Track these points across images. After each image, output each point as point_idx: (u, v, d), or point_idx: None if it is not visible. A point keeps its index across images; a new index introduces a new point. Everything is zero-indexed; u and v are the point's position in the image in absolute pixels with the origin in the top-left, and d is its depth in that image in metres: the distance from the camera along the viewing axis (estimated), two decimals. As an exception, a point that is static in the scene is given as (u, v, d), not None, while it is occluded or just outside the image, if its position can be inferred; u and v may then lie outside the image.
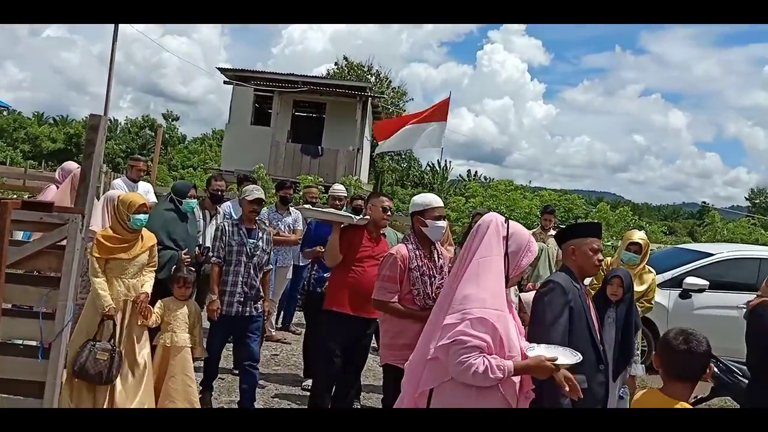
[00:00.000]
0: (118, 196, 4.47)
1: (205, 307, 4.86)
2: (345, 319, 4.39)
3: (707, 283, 7.55)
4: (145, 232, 4.44)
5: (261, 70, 21.36)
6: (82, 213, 4.29)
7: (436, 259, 3.95)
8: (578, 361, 2.59)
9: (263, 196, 4.98)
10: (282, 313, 7.88)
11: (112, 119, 58.71)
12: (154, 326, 4.46)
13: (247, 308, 4.77)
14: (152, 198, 6.92)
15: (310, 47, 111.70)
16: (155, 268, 4.52)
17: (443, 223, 3.97)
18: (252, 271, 4.79)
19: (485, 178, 41.34)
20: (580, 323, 2.96)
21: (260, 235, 4.92)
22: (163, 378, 4.43)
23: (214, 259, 4.78)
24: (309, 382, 5.74)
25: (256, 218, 5.01)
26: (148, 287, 4.38)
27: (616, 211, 13.51)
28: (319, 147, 19.98)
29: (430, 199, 4.04)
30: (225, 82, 20.86)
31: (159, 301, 4.51)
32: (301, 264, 7.69)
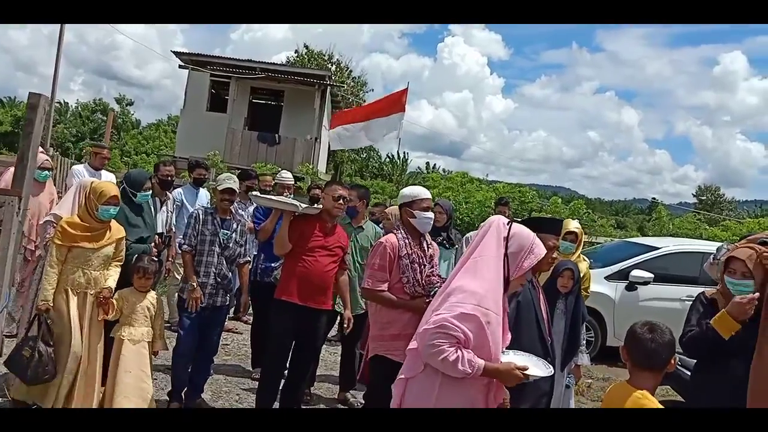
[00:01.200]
0: (91, 183, 4.28)
1: (184, 295, 4.60)
2: (293, 309, 4.33)
3: (652, 275, 7.78)
4: (114, 224, 4.27)
5: (218, 55, 20.91)
6: (19, 195, 4.13)
7: (426, 248, 3.93)
8: (549, 374, 2.60)
9: (235, 186, 4.81)
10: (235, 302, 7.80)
11: (62, 102, 56.73)
12: (113, 319, 4.27)
13: (218, 299, 4.64)
14: None
15: (270, 34, 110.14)
16: (121, 263, 4.34)
17: (431, 215, 3.94)
18: (225, 262, 4.68)
19: (444, 170, 41.65)
20: (528, 316, 2.95)
21: (234, 226, 4.78)
22: (117, 373, 4.19)
23: (185, 247, 4.62)
24: (258, 371, 5.70)
25: (231, 209, 4.83)
26: (112, 282, 4.22)
27: (569, 205, 13.81)
28: (277, 135, 19.76)
29: (418, 191, 4.00)
30: (180, 67, 20.42)
31: (117, 292, 4.31)
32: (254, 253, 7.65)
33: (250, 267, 5.66)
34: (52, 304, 4.02)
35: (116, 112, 53.88)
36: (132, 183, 4.87)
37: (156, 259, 4.50)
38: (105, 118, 49.71)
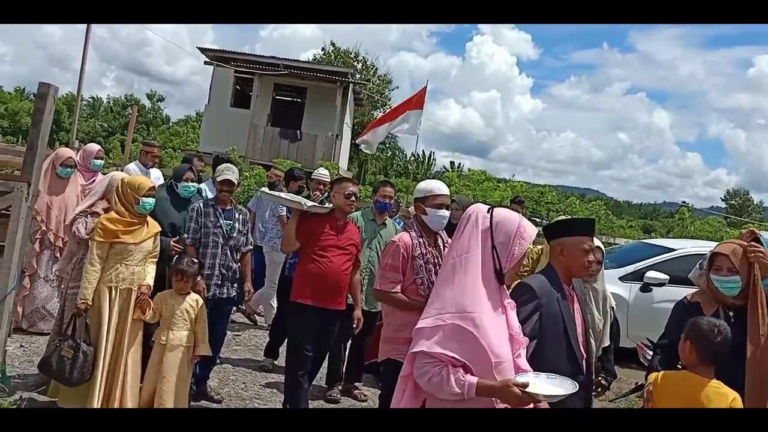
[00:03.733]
0: (122, 179, 4.28)
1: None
2: (310, 311, 4.26)
3: (667, 277, 7.63)
4: (149, 219, 4.27)
5: (243, 52, 21.13)
6: (28, 181, 4.22)
7: (442, 246, 3.67)
8: (564, 395, 2.22)
9: (234, 178, 4.81)
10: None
11: (96, 97, 58.01)
12: (152, 322, 4.20)
13: (224, 290, 4.66)
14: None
15: (298, 31, 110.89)
16: (156, 259, 4.32)
17: (445, 212, 3.66)
18: (229, 253, 4.69)
19: (469, 170, 41.46)
20: (555, 331, 2.65)
21: (237, 216, 4.80)
22: (156, 378, 4.12)
23: (188, 240, 4.62)
24: (268, 360, 5.81)
25: (232, 199, 4.86)
26: (150, 279, 4.19)
27: (589, 205, 13.64)
28: (298, 131, 19.90)
29: (432, 185, 3.74)
30: (206, 63, 20.66)
31: (157, 294, 4.24)
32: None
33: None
34: (91, 303, 3.96)
35: (146, 108, 54.82)
36: (174, 176, 5.08)
37: (196, 261, 4.42)
38: (137, 113, 50.54)
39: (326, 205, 4.54)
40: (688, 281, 7.84)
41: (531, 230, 2.38)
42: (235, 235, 4.74)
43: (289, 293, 5.61)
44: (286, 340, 4.64)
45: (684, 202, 47.00)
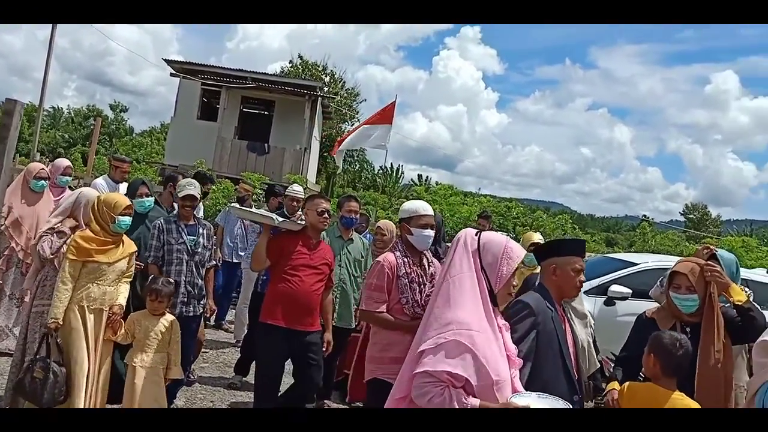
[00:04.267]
0: (99, 197, 4.16)
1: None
2: (281, 333, 4.15)
3: (630, 291, 7.78)
4: (125, 238, 4.16)
5: (209, 64, 20.97)
6: (-8, 199, 4.11)
7: (426, 266, 3.70)
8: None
9: (196, 192, 4.74)
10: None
11: (56, 107, 56.65)
12: (124, 343, 4.09)
13: (191, 307, 4.59)
14: None
15: (265, 44, 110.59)
16: (130, 279, 4.22)
17: (430, 233, 3.70)
18: (194, 269, 4.62)
19: (437, 183, 41.69)
20: (550, 349, 2.71)
21: (200, 231, 4.73)
22: (131, 402, 4.00)
23: (150, 258, 4.54)
24: (237, 377, 5.74)
25: (194, 214, 4.79)
26: (123, 299, 4.09)
27: (555, 219, 13.87)
28: (266, 145, 19.78)
29: (417, 206, 3.76)
30: (172, 75, 20.42)
31: (131, 315, 4.15)
32: (234, 261, 7.63)
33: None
34: (61, 322, 3.84)
35: (109, 119, 53.79)
36: (129, 192, 4.93)
37: (172, 281, 4.33)
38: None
39: (299, 221, 4.45)
40: (649, 295, 8.11)
41: (518, 250, 2.44)
42: (199, 250, 4.67)
43: (258, 309, 5.62)
44: (257, 364, 4.53)
45: (644, 215, 48.11)
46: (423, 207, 3.76)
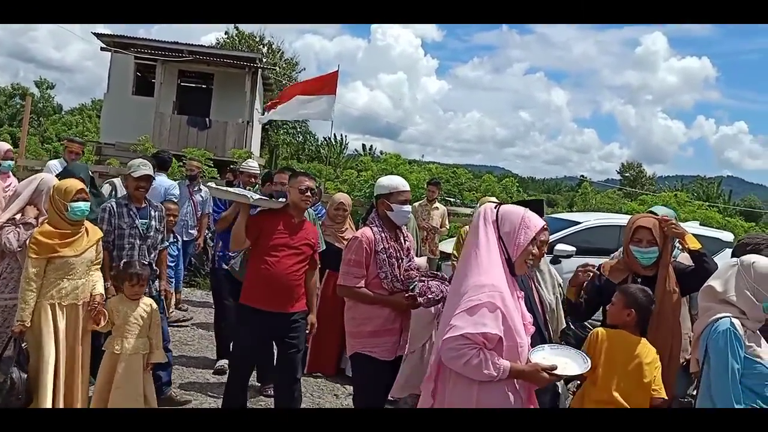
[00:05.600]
0: (53, 186, 3.94)
1: None
2: (260, 315, 4.06)
3: (574, 249, 8.12)
4: (89, 225, 3.96)
5: (143, 37, 20.18)
6: None
7: (402, 241, 3.79)
8: (586, 370, 2.61)
9: (151, 172, 4.65)
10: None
11: (-24, 86, 53.40)
12: (103, 331, 3.98)
13: (146, 290, 4.43)
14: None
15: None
16: (100, 265, 4.07)
17: (409, 208, 3.81)
18: (146, 252, 4.53)
19: (381, 152, 41.70)
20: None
21: (152, 213, 4.62)
22: (108, 390, 3.89)
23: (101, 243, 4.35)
24: (222, 362, 5.60)
25: (147, 197, 4.66)
26: (101, 287, 3.95)
27: (501, 183, 14.19)
28: (207, 119, 19.28)
29: (396, 182, 3.83)
30: (102, 49, 19.55)
31: (108, 301, 4.02)
32: (185, 239, 7.52)
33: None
34: (28, 325, 3.69)
35: (36, 97, 51.12)
36: (68, 177, 4.58)
37: (146, 263, 4.22)
38: (24, 102, 46.80)
39: (280, 199, 4.31)
40: (593, 252, 8.49)
41: (536, 220, 2.57)
42: (152, 234, 4.58)
43: (219, 288, 5.56)
44: (232, 343, 4.49)
45: (582, 176, 49.71)
46: (402, 183, 3.83)
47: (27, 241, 3.86)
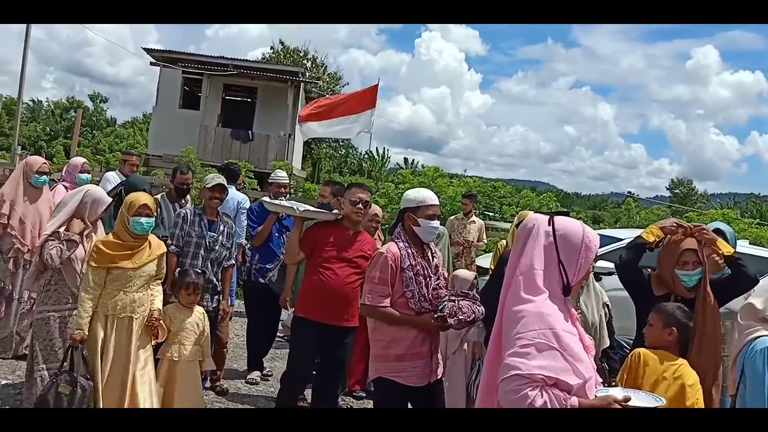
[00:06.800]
0: (97, 196, 4.00)
1: None
2: (314, 327, 4.05)
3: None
4: (153, 239, 3.94)
5: (190, 52, 20.74)
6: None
7: (431, 257, 3.56)
8: (661, 405, 2.24)
9: (225, 182, 4.69)
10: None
11: (36, 100, 55.80)
12: (161, 340, 3.96)
13: (203, 303, 4.49)
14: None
15: (245, 30, 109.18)
16: (162, 279, 4.03)
17: (436, 224, 3.54)
18: (209, 266, 4.53)
19: (422, 166, 41.65)
20: None
21: (221, 228, 4.63)
22: (171, 397, 3.90)
23: (172, 247, 4.42)
24: (254, 374, 5.64)
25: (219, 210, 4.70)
26: (159, 302, 3.91)
27: (540, 197, 13.98)
28: (250, 132, 19.67)
29: (424, 195, 3.57)
30: (152, 64, 20.18)
31: (164, 308, 4.00)
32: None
33: (245, 267, 5.60)
34: (86, 334, 3.67)
35: (90, 110, 53.08)
36: (128, 188, 4.72)
37: (200, 271, 4.23)
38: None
39: (334, 212, 4.25)
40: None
41: (595, 239, 2.24)
42: (217, 248, 4.58)
43: (254, 299, 5.58)
44: (288, 353, 4.47)
45: (630, 192, 48.52)
46: (430, 197, 3.57)
47: (69, 258, 3.90)
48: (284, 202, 4.49)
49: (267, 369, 5.87)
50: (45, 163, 5.49)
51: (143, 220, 3.78)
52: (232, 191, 6.63)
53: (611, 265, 7.87)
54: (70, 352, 3.68)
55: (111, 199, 4.21)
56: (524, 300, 2.11)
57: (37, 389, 3.82)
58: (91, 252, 3.77)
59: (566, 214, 2.32)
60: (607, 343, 3.96)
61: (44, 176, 5.39)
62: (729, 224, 12.64)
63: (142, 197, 3.89)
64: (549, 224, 2.20)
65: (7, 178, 11.32)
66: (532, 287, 2.12)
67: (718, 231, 3.86)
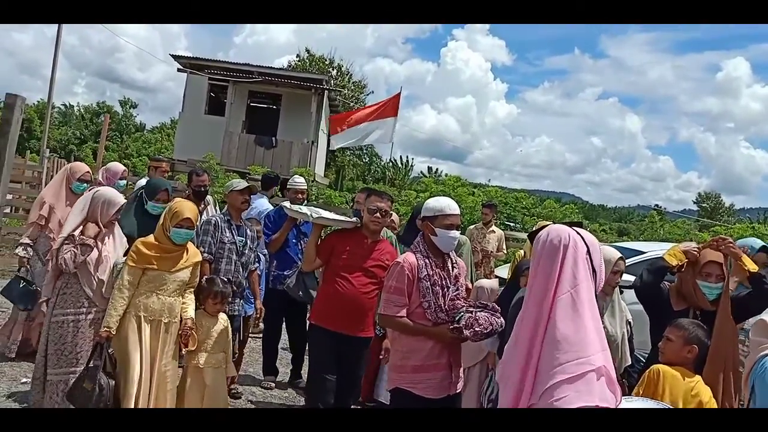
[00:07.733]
0: (108, 197, 4.02)
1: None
2: (329, 336, 4.02)
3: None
4: (191, 247, 4.00)
5: (216, 59, 21.01)
6: (-7, 192, 4.14)
7: (450, 268, 3.46)
8: None
9: (250, 185, 4.77)
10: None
11: (68, 104, 57.05)
12: (192, 348, 3.97)
13: (235, 306, 4.59)
14: None
15: (273, 38, 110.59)
16: (194, 288, 4.06)
17: (456, 233, 3.42)
18: (241, 269, 4.62)
19: (446, 175, 41.55)
20: None
21: (248, 233, 4.74)
22: (200, 404, 3.91)
23: (205, 255, 4.40)
24: (270, 379, 5.66)
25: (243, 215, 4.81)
26: (192, 311, 3.92)
27: (563, 209, 13.83)
28: (274, 138, 19.81)
29: (443, 204, 3.46)
30: (179, 70, 20.48)
31: (194, 318, 4.00)
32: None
33: (261, 274, 5.64)
34: (114, 332, 3.69)
35: (120, 115, 54.09)
36: (147, 190, 4.76)
37: (226, 280, 4.28)
38: (109, 120, 49.37)
39: (353, 219, 4.17)
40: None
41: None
42: (246, 251, 4.67)
43: (273, 306, 5.55)
44: (307, 362, 4.48)
45: (657, 205, 47.79)
46: (449, 205, 3.46)
47: (84, 262, 3.91)
48: (302, 208, 4.44)
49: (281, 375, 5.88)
50: (88, 171, 5.51)
51: (183, 231, 3.85)
52: (264, 200, 6.68)
53: (631, 278, 7.80)
54: (97, 349, 3.71)
55: (123, 200, 4.22)
56: (569, 322, 1.99)
57: (49, 392, 3.85)
58: (130, 252, 3.83)
59: (580, 225, 2.28)
60: (629, 361, 3.87)
61: (85, 184, 5.39)
62: (761, 239, 12.41)
63: (185, 209, 3.90)
64: (579, 236, 2.12)
65: (36, 179, 11.70)
66: (579, 306, 2.00)
67: (765, 249, 3.87)
